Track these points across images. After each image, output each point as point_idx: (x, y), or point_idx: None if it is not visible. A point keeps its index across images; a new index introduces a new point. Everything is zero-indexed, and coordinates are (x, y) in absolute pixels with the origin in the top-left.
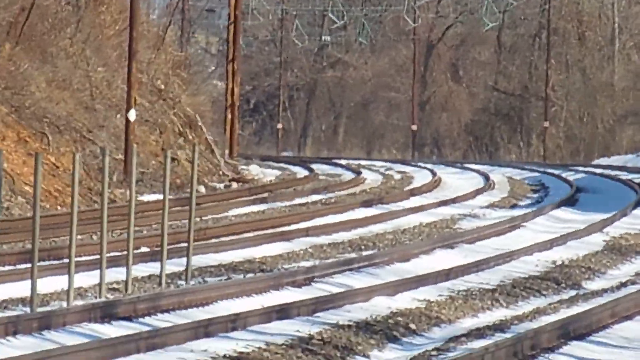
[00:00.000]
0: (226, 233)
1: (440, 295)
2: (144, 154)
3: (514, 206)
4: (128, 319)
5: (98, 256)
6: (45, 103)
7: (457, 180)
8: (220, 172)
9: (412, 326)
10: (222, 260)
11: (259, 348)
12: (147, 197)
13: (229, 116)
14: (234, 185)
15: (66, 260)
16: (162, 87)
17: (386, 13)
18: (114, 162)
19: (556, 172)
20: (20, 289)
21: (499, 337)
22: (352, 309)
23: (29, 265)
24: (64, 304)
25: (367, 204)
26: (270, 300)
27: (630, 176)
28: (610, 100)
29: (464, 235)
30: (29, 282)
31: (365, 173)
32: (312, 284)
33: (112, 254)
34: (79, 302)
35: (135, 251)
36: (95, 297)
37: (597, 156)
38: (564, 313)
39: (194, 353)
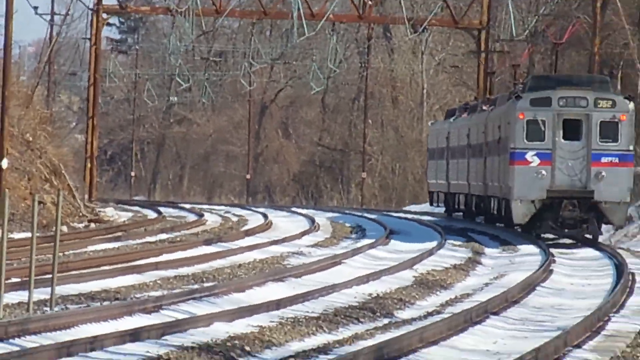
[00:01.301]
0: (85, 266)
1: (271, 322)
2: (15, 197)
3: (335, 245)
4: (1, 340)
5: None
6: None
7: (286, 223)
8: (81, 214)
9: (247, 348)
10: (82, 290)
11: None
12: (17, 235)
13: (89, 165)
14: (92, 225)
15: None
16: (31, 139)
17: (225, 77)
18: None
19: (372, 216)
20: None
21: (322, 359)
22: (195, 332)
23: None
24: None
25: (208, 242)
26: (124, 325)
27: (435, 221)
28: (419, 154)
29: (292, 270)
30: None
31: (207, 216)
32: (161, 311)
33: None
34: None
35: (6, 281)
36: None
37: (408, 203)
38: (379, 338)
39: None
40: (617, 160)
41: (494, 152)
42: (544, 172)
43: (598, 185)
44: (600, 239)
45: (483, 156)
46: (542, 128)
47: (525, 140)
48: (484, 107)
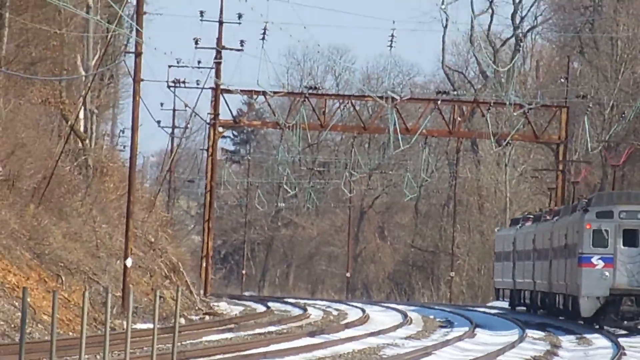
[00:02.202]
0: (201, 355)
1: None
2: (138, 292)
3: (426, 337)
4: None
5: None
6: (60, 251)
7: (382, 317)
8: (197, 307)
9: None
10: None
11: None
12: (139, 326)
13: (204, 264)
14: (207, 317)
15: None
16: (153, 240)
17: (328, 185)
18: (114, 298)
19: (459, 311)
20: None
21: None
22: None
23: None
24: None
25: (311, 334)
26: None
27: (516, 316)
28: None
29: None
30: None
31: (310, 310)
32: None
33: None
34: None
35: None
36: None
37: (492, 300)
38: None
39: None
40: None
41: (560, 255)
42: (607, 273)
43: None
44: None
45: (549, 259)
46: (606, 237)
47: (592, 247)
48: (547, 217)
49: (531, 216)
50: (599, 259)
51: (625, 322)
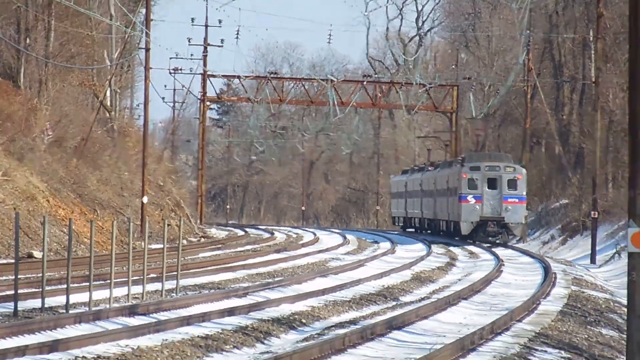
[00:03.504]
0: (198, 267)
1: (319, 303)
2: (152, 221)
3: (360, 253)
4: (144, 314)
5: (126, 279)
6: (95, 192)
7: (328, 239)
8: (194, 232)
9: (303, 321)
10: (196, 282)
11: (217, 332)
12: (153, 246)
13: (199, 201)
14: (202, 239)
15: (108, 281)
16: (162, 184)
17: (287, 143)
18: (135, 226)
19: (384, 234)
20: (82, 297)
21: (352, 328)
22: (270, 310)
23: (87, 283)
24: (107, 306)
25: (277, 251)
26: (223, 305)
27: (425, 237)
28: None
29: (332, 270)
30: (87, 293)
31: (276, 234)
32: (247, 296)
33: (134, 277)
34: (116, 305)
35: (147, 276)
36: (125, 302)
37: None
38: (389, 314)
39: (180, 334)
40: (517, 200)
41: (442, 194)
42: (477, 207)
43: (507, 214)
44: (533, 249)
45: (433, 197)
46: (476, 183)
47: (467, 189)
48: (430, 169)
49: (417, 167)
50: (472, 197)
51: (490, 237)
